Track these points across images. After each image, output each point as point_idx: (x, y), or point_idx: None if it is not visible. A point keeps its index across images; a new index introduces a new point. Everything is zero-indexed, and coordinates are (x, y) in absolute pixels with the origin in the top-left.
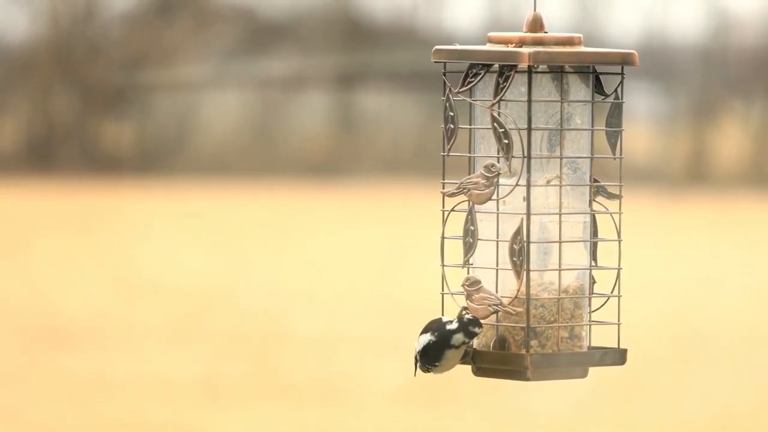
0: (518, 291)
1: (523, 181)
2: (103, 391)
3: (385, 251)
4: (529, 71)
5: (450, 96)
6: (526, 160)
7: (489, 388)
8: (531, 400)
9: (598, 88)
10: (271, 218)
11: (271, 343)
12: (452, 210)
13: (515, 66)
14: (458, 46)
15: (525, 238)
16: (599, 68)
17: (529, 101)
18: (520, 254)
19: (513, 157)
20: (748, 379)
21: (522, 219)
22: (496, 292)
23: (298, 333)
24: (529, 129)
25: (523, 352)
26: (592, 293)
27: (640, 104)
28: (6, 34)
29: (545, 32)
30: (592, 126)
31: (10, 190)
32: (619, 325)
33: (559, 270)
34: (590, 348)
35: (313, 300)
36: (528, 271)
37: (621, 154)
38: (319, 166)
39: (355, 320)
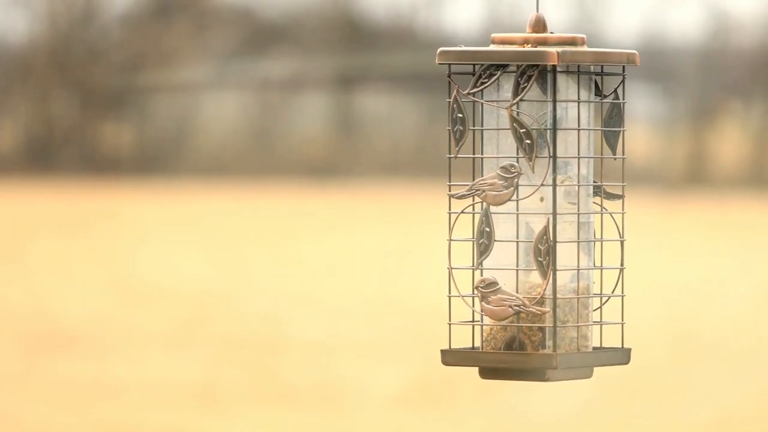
0: (544, 291)
1: (548, 181)
2: (103, 396)
3: (385, 254)
4: (554, 71)
5: (458, 97)
6: (551, 160)
7: (490, 392)
8: (532, 403)
9: (597, 88)
10: (271, 221)
11: (271, 347)
12: (462, 212)
13: (537, 66)
14: (464, 48)
15: (552, 238)
16: (600, 69)
17: (554, 101)
18: (546, 254)
19: (538, 157)
20: (748, 382)
21: (549, 219)
22: (517, 292)
23: (297, 337)
24: (555, 129)
25: (549, 351)
26: (594, 294)
27: (640, 106)
28: (5, 36)
29: (551, 32)
30: (598, 126)
31: (9, 193)
32: (623, 324)
33: (578, 269)
34: (594, 348)
35: (313, 303)
36: (555, 271)
37: (623, 154)
38: (319, 168)
39: (355, 323)
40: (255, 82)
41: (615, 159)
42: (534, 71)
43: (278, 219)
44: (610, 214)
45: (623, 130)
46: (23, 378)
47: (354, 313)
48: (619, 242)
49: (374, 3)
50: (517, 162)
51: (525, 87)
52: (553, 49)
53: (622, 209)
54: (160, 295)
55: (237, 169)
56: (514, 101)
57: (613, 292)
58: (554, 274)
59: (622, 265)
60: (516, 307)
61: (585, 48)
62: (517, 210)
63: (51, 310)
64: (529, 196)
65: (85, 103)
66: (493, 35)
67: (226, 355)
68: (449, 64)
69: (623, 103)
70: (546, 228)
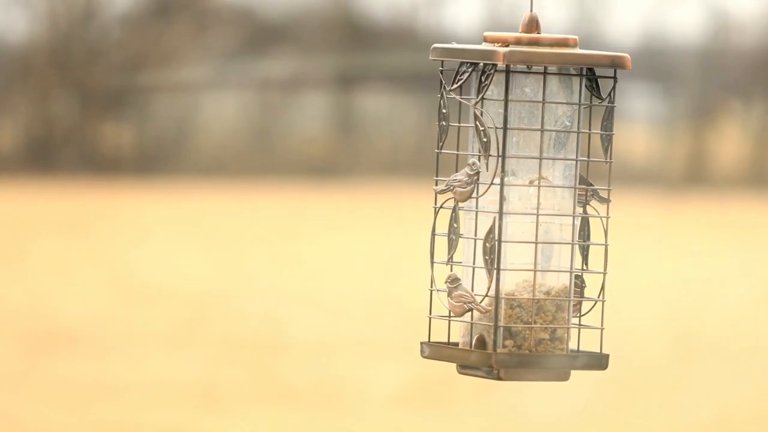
0: (488, 289)
1: (498, 180)
2: (103, 395)
3: (385, 253)
4: (507, 70)
5: (444, 94)
6: (500, 159)
7: (489, 392)
8: (529, 404)
9: (596, 91)
10: (271, 220)
11: (271, 347)
12: (441, 207)
13: (496, 65)
14: (455, 45)
15: (496, 237)
16: (595, 71)
17: (506, 101)
18: (491, 252)
19: (490, 155)
20: (748, 382)
21: (495, 217)
22: (472, 290)
23: (297, 337)
24: (505, 128)
25: (501, 350)
26: (583, 297)
27: (640, 106)
28: (5, 36)
29: (538, 33)
30: (586, 128)
31: (9, 193)
32: (602, 329)
33: (534, 270)
34: (572, 351)
35: (313, 303)
36: (498, 270)
37: (611, 158)
38: (319, 168)
39: (355, 323)
40: (255, 82)
41: (606, 163)
42: (492, 70)
43: (278, 219)
44: (600, 217)
45: (612, 134)
46: (23, 378)
47: (354, 313)
48: (610, 246)
49: (374, 3)
50: (479, 160)
51: (485, 85)
52: (501, 50)
53: (607, 213)
54: (160, 295)
55: (237, 169)
56: (477, 99)
57: (598, 296)
58: (498, 273)
59: (605, 270)
60: (468, 305)
61: (568, 50)
62: (477, 207)
63: (51, 310)
64: (483, 194)
65: (85, 103)
66: (485, 34)
67: (226, 355)
68: (441, 61)
69: (613, 107)
70: (492, 226)
